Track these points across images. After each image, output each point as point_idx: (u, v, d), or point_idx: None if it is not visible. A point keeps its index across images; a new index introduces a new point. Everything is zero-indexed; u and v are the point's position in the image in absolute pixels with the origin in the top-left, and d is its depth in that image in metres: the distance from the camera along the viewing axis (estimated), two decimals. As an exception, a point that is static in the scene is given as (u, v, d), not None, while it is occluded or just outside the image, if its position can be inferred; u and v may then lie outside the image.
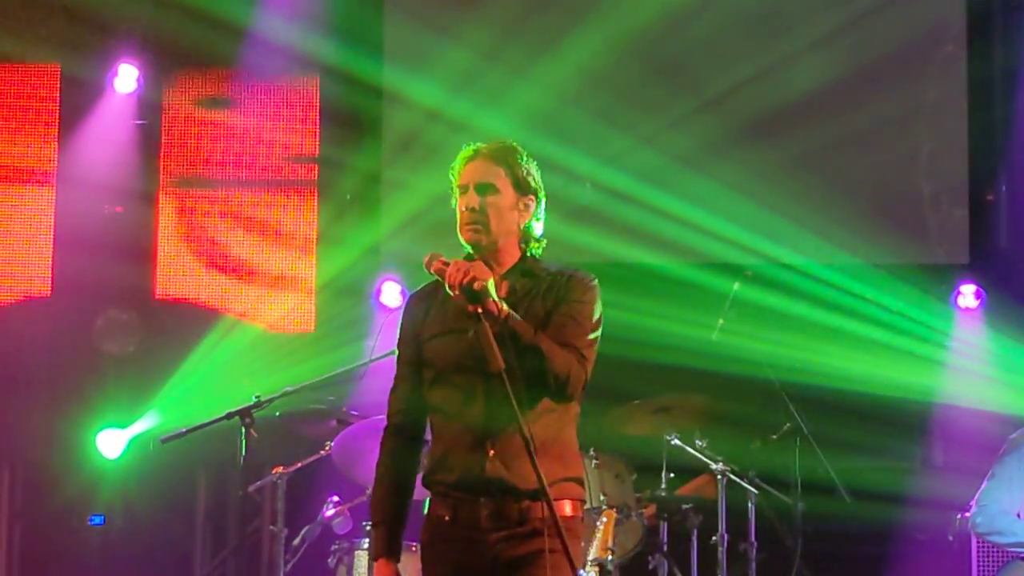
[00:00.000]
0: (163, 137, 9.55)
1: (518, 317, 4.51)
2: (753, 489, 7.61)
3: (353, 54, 9.25)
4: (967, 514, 7.00)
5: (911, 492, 8.50)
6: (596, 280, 4.72)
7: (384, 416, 7.47)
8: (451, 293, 4.47)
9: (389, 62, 9.41)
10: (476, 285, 4.38)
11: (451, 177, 4.75)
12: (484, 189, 4.67)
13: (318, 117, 9.52)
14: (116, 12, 9.16)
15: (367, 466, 7.30)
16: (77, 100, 9.42)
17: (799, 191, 9.07)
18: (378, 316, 8.88)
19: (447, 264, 4.50)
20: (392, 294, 9.20)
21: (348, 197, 9.50)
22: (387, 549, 4.76)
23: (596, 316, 4.69)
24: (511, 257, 4.67)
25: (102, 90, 9.39)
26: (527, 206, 4.72)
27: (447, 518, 4.69)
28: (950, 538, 7.29)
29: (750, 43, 9.34)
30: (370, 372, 8.03)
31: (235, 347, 9.20)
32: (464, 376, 4.68)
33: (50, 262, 9.43)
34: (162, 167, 9.55)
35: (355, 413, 7.70)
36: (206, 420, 7.33)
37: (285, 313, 9.43)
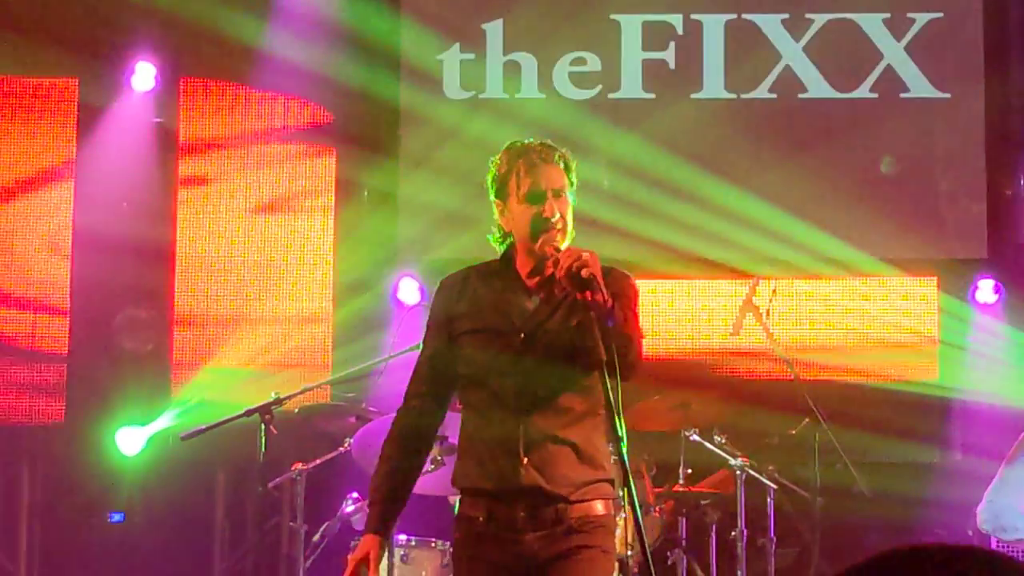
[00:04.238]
0: (180, 135, 9.58)
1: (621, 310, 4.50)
2: (772, 484, 7.62)
3: (369, 69, 9.30)
4: (978, 508, 7.05)
5: (931, 486, 8.50)
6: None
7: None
8: (563, 281, 4.46)
9: (405, 76, 9.45)
10: (584, 272, 4.36)
11: (499, 172, 4.73)
12: (558, 195, 4.66)
13: (331, 120, 9.55)
14: (133, 16, 9.20)
15: (387, 462, 7.37)
16: (95, 108, 9.46)
17: (824, 195, 9.10)
18: (396, 313, 8.91)
19: (559, 251, 4.52)
20: (410, 291, 9.23)
21: (366, 194, 9.52)
22: (376, 525, 4.77)
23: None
24: (598, 269, 4.53)
25: (119, 92, 9.43)
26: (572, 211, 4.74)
27: (481, 518, 4.73)
28: (969, 532, 7.30)
29: (765, 42, 9.34)
30: (389, 368, 8.06)
31: (253, 345, 9.25)
32: (498, 380, 4.71)
33: (69, 259, 9.47)
34: (179, 165, 9.59)
35: (374, 410, 7.72)
36: (226, 417, 7.41)
37: (303, 314, 9.45)
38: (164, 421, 9.10)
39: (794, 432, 7.79)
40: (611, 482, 4.76)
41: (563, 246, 4.63)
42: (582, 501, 4.68)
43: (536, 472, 4.67)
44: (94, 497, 9.24)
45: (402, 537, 7.36)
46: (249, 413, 7.20)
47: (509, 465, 4.69)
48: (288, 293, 9.50)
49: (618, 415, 4.37)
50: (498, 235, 4.81)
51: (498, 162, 4.76)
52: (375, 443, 7.30)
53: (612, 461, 4.84)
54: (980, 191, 9.24)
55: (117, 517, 9.27)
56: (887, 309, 9.24)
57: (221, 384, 9.07)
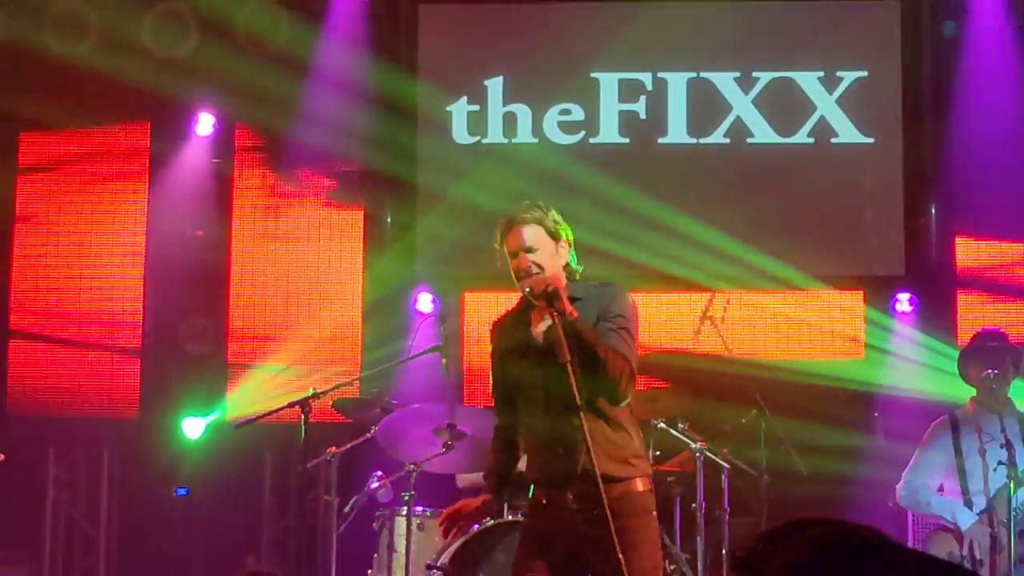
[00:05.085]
0: (234, 173, 9.57)
1: (587, 324, 4.75)
2: (726, 465, 7.59)
3: (390, 120, 9.30)
4: (897, 486, 7.04)
5: (858, 467, 8.50)
6: (626, 289, 4.98)
7: (420, 404, 7.52)
8: (536, 302, 4.77)
9: (421, 125, 9.44)
10: (549, 288, 4.69)
11: (497, 244, 4.98)
12: (530, 250, 4.88)
13: (360, 163, 9.53)
14: (197, 75, 9.18)
15: (406, 446, 7.43)
16: (163, 154, 9.47)
17: (769, 223, 9.11)
18: (414, 321, 8.87)
19: (533, 286, 4.79)
20: (426, 302, 9.21)
21: (388, 221, 9.50)
22: (490, 489, 5.13)
23: (634, 322, 4.92)
24: (561, 287, 4.82)
25: (184, 139, 9.45)
26: (562, 247, 4.95)
27: (544, 502, 4.92)
28: (890, 505, 7.27)
29: (720, 96, 9.31)
30: (408, 368, 8.07)
31: (296, 349, 9.24)
32: (532, 392, 4.93)
33: (142, 277, 9.46)
34: (234, 200, 9.59)
35: (395, 402, 7.70)
36: (272, 408, 7.38)
37: (337, 323, 9.43)
38: (221, 411, 9.12)
39: (744, 421, 7.78)
40: (646, 459, 4.97)
41: (548, 273, 4.85)
42: (618, 480, 4.75)
43: (573, 460, 4.78)
44: (163, 475, 9.25)
45: (418, 509, 7.29)
46: (292, 405, 7.16)
47: (551, 457, 4.86)
48: (325, 306, 9.47)
49: (580, 407, 4.55)
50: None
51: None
52: (396, 430, 7.40)
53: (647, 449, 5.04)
54: (898, 220, 9.23)
55: (182, 492, 9.29)
56: (822, 318, 9.24)
57: (269, 381, 9.08)
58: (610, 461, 4.73)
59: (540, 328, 4.89)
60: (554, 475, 4.86)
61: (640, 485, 4.84)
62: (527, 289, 4.80)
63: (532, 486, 5.03)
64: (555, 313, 4.67)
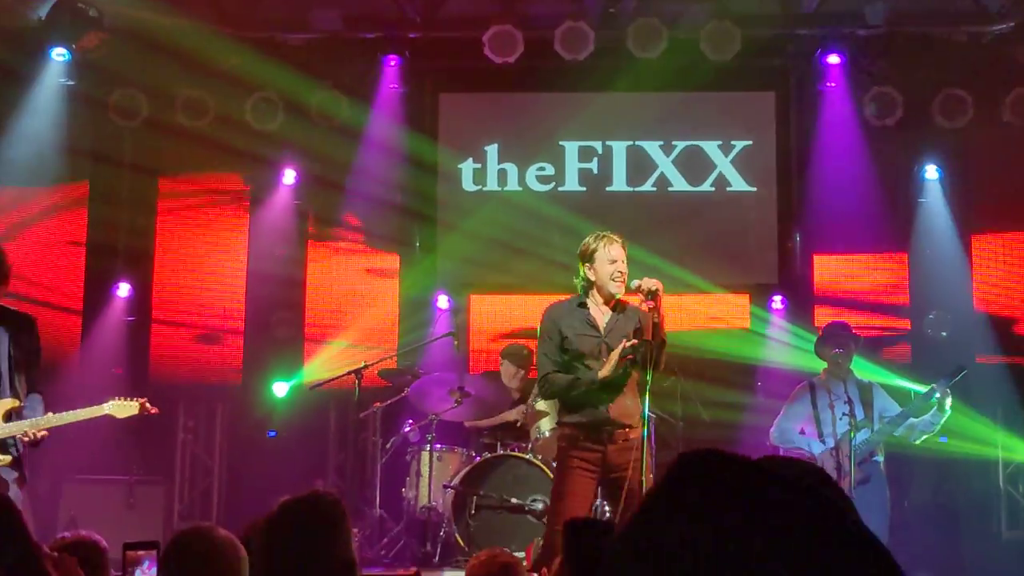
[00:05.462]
0: (310, 213, 9.58)
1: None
2: (652, 415, 7.55)
3: (418, 173, 9.29)
4: (771, 430, 7.12)
5: (745, 416, 8.39)
6: None
7: (439, 373, 7.58)
8: (639, 293, 4.86)
9: (440, 178, 9.40)
10: (654, 287, 4.87)
11: (603, 250, 5.03)
12: (623, 261, 5.09)
13: (397, 203, 9.45)
14: (282, 140, 9.13)
15: (429, 402, 7.55)
16: (259, 198, 9.47)
17: (684, 247, 9.05)
18: (435, 314, 8.90)
19: (641, 282, 4.93)
20: (443, 302, 9.15)
21: (417, 245, 9.57)
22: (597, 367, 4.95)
23: None
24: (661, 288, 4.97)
25: (274, 187, 9.46)
26: None
27: (581, 437, 4.95)
28: (767, 443, 6.97)
29: (649, 157, 9.40)
30: (430, 347, 8.18)
31: (351, 334, 9.24)
32: (592, 361, 5.00)
33: (244, 284, 9.46)
34: (309, 229, 9.59)
35: (422, 371, 7.81)
36: (336, 375, 7.47)
37: (381, 315, 9.40)
38: (299, 378, 9.08)
39: (665, 384, 7.62)
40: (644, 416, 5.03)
41: (630, 283, 5.03)
42: (635, 427, 4.94)
43: (616, 410, 4.93)
44: (259, 422, 9.18)
45: (438, 446, 7.38)
46: (349, 373, 7.30)
47: (600, 409, 4.95)
48: (372, 303, 9.40)
49: (651, 374, 4.73)
50: (581, 283, 5.12)
51: (589, 242, 5.11)
52: (423, 391, 7.49)
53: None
54: (773, 244, 9.27)
55: (272, 434, 9.21)
56: (721, 312, 9.23)
57: (333, 356, 9.02)
58: (636, 413, 4.94)
59: (605, 320, 5.01)
60: (597, 420, 4.91)
61: (643, 431, 4.97)
62: (636, 283, 4.89)
63: (566, 427, 5.03)
64: (653, 306, 4.81)
